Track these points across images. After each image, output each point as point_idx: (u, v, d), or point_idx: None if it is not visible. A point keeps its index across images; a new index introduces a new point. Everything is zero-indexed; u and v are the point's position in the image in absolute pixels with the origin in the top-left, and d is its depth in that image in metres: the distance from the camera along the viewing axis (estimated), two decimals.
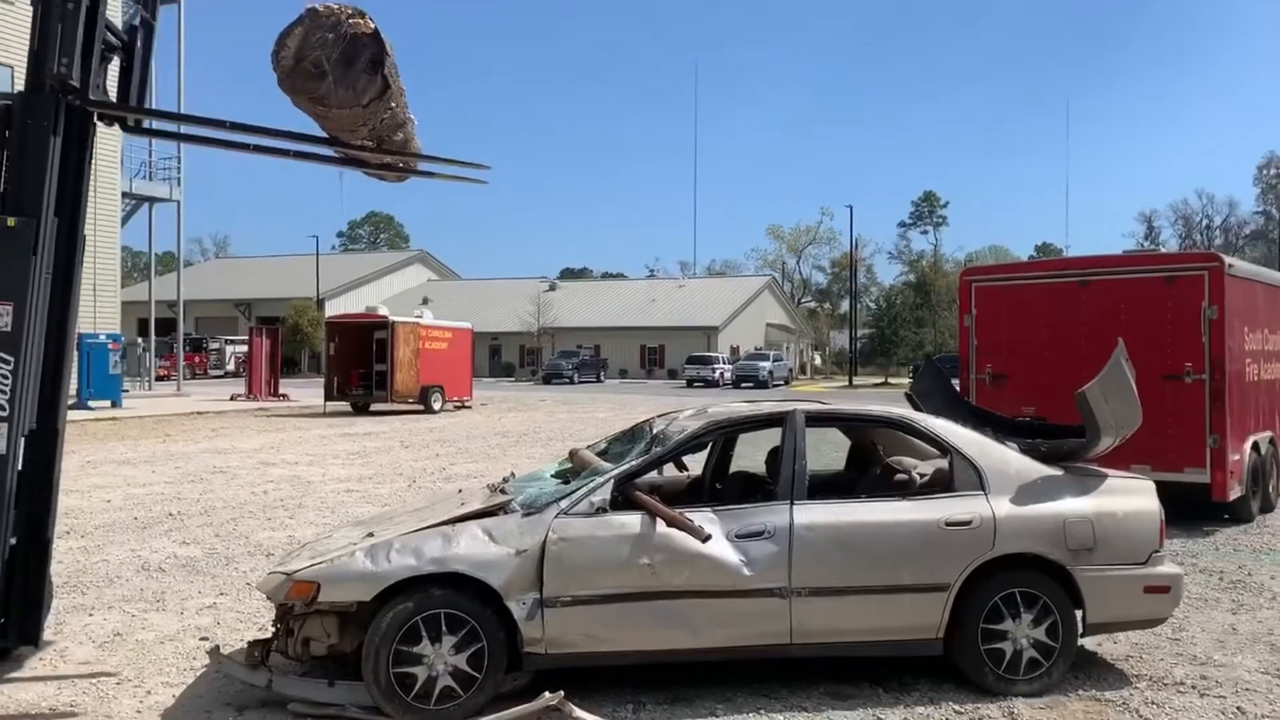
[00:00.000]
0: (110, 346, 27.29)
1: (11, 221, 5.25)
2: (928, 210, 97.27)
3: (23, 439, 5.42)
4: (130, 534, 9.80)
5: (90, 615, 6.90)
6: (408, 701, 4.82)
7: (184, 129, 5.77)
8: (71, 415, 6.41)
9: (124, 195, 32.85)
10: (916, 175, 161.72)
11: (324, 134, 5.51)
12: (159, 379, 40.04)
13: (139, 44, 5.97)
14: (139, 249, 75.97)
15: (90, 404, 25.88)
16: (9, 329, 5.25)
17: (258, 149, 5.74)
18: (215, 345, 59.86)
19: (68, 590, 7.43)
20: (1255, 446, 10.81)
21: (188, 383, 41.40)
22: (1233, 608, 7.20)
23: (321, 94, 5.09)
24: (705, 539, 5.09)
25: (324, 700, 4.98)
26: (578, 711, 4.78)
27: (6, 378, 5.25)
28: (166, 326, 44.88)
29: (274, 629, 5.32)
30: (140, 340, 39.19)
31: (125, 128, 6.07)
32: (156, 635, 6.42)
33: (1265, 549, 9.33)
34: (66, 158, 5.53)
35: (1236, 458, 10.25)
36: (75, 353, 5.85)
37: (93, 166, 5.84)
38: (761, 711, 5.06)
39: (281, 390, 33.77)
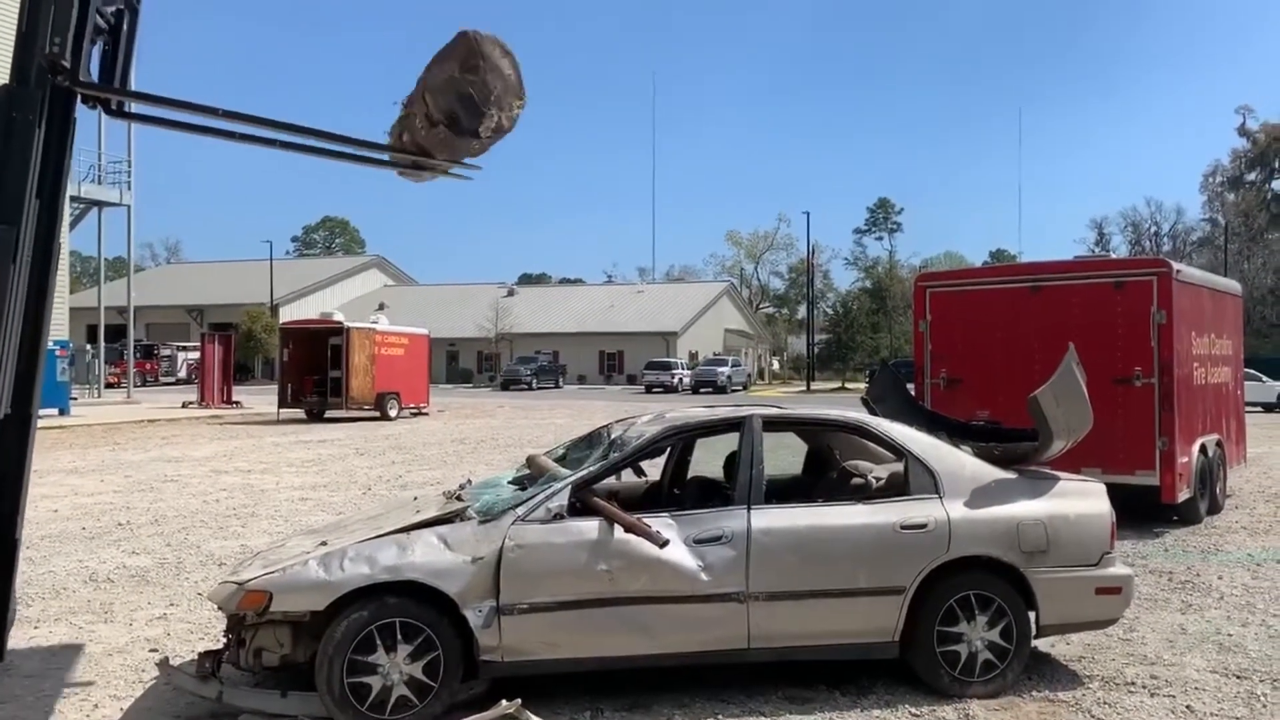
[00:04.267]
0: (58, 353, 26.76)
1: None
2: (883, 217, 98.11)
3: None
4: (78, 544, 9.61)
5: (36, 628, 6.74)
6: (362, 712, 4.75)
7: (169, 115, 5.61)
8: None
9: (72, 199, 32.21)
10: (872, 182, 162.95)
11: (310, 127, 5.44)
12: (109, 386, 39.33)
13: (124, 27, 5.82)
14: (88, 254, 74.76)
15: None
16: None
17: (244, 138, 5.60)
18: (167, 352, 58.97)
19: None
20: (1203, 449, 11.00)
21: (139, 390, 40.72)
22: (1182, 608, 7.31)
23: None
24: (663, 544, 5.08)
25: (276, 712, 4.90)
26: (535, 719, 4.75)
27: None
28: (116, 333, 44.11)
29: (225, 639, 5.23)
30: (89, 347, 38.46)
31: (109, 111, 5.90)
32: (104, 648, 6.29)
33: (1213, 550, 9.49)
34: (48, 147, 5.34)
35: (1185, 460, 10.43)
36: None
37: (71, 154, 5.67)
38: (719, 716, 5.05)
39: (235, 397, 33.33)
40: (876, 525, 5.34)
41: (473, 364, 66.05)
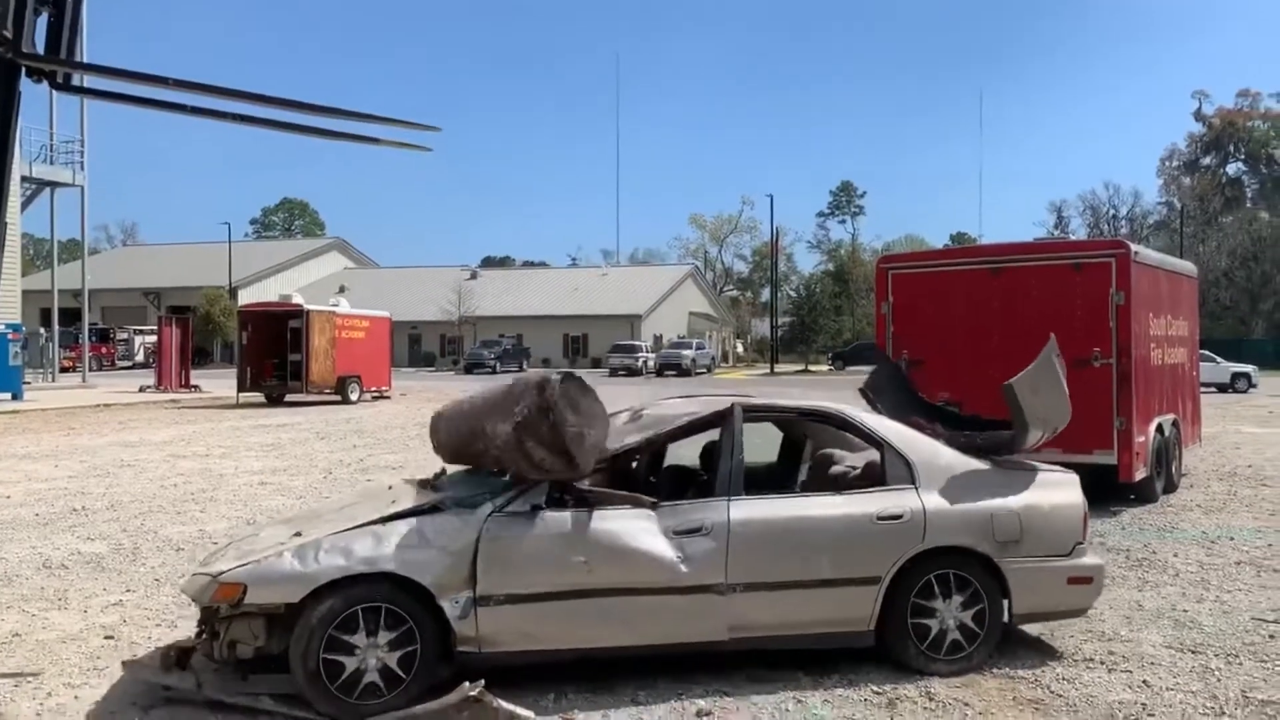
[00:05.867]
0: (10, 337, 26.30)
1: None
2: (845, 200, 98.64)
3: None
4: (31, 530, 9.43)
5: None
6: (330, 690, 4.71)
7: (118, 87, 5.45)
8: None
9: (24, 179, 31.58)
10: (835, 167, 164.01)
11: (278, 96, 5.31)
12: (64, 370, 38.73)
13: None
14: (41, 236, 73.45)
15: None
16: None
17: (197, 110, 5.46)
18: (123, 335, 58.10)
19: None
20: (1159, 428, 11.15)
21: (94, 374, 40.10)
22: (1139, 585, 7.42)
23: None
24: (653, 505, 5.11)
25: (238, 690, 4.84)
26: (497, 701, 4.72)
27: None
28: (71, 316, 43.36)
29: (198, 631, 5.15)
30: (43, 330, 37.80)
31: (54, 85, 5.74)
32: (58, 635, 6.18)
33: (1169, 528, 9.64)
34: None
35: (1142, 439, 10.56)
36: None
37: (18, 124, 5.51)
38: (683, 697, 5.05)
39: (193, 381, 32.92)
40: (854, 516, 5.36)
41: (435, 347, 65.67)
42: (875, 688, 5.18)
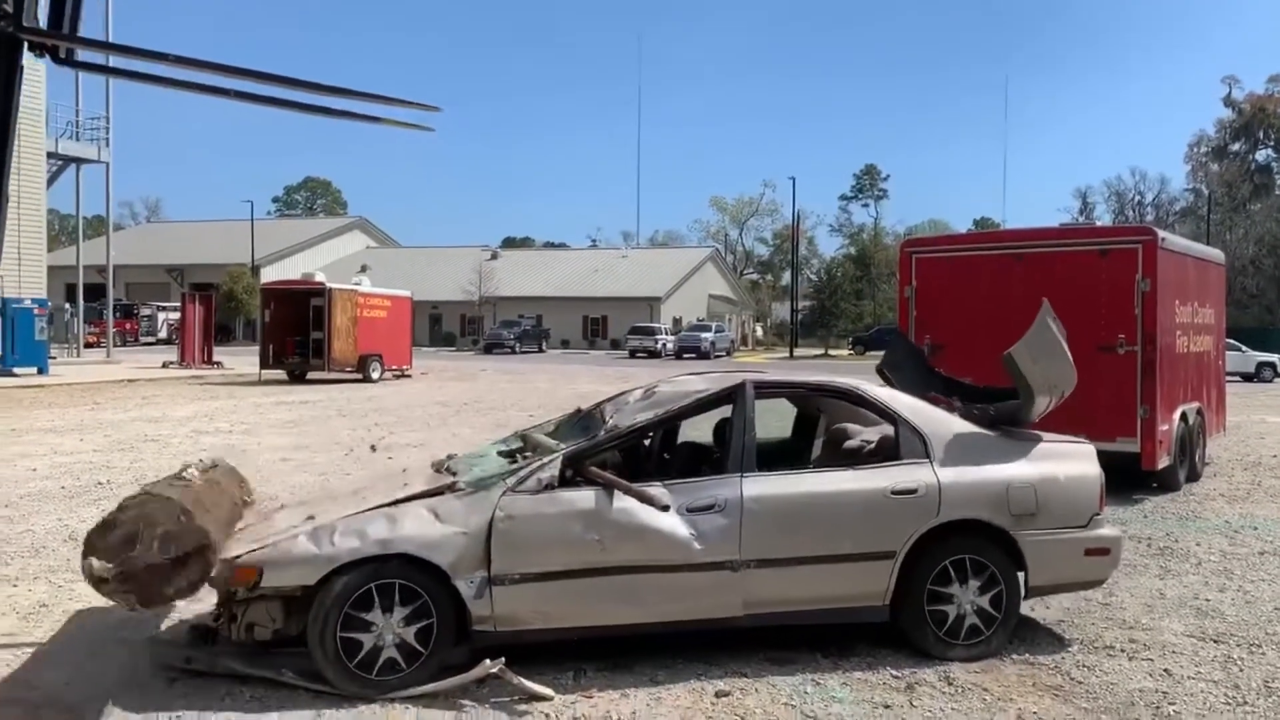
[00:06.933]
0: (36, 312, 26.55)
1: None
2: (869, 183, 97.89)
3: None
4: (57, 503, 9.53)
5: (14, 586, 6.69)
6: (350, 668, 4.74)
7: (119, 63, 5.45)
8: None
9: (49, 156, 31.79)
10: (858, 151, 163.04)
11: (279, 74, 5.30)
12: (88, 346, 39.06)
13: None
14: (66, 212, 73.86)
15: (15, 371, 25.16)
16: None
17: (198, 87, 5.46)
18: (147, 311, 58.55)
19: None
20: (1184, 417, 11.05)
21: (118, 350, 40.44)
22: (1160, 573, 7.38)
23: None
24: (665, 509, 5.07)
25: (261, 664, 4.89)
26: (517, 679, 4.76)
27: None
28: (96, 292, 43.67)
29: (215, 614, 5.19)
30: (68, 306, 38.15)
31: (56, 59, 5.75)
32: (84, 605, 6.24)
33: (1191, 516, 9.57)
34: None
35: (1166, 428, 10.48)
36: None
37: (19, 98, 5.54)
38: (702, 677, 5.07)
39: (215, 358, 33.16)
40: (868, 491, 5.33)
41: (456, 327, 65.84)
42: (894, 671, 5.18)
